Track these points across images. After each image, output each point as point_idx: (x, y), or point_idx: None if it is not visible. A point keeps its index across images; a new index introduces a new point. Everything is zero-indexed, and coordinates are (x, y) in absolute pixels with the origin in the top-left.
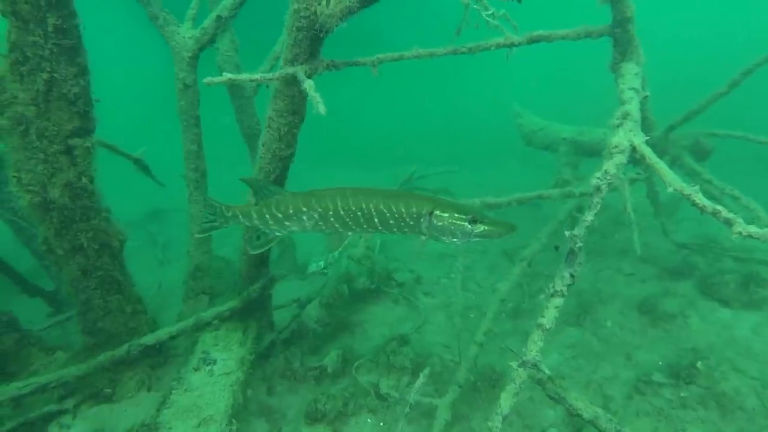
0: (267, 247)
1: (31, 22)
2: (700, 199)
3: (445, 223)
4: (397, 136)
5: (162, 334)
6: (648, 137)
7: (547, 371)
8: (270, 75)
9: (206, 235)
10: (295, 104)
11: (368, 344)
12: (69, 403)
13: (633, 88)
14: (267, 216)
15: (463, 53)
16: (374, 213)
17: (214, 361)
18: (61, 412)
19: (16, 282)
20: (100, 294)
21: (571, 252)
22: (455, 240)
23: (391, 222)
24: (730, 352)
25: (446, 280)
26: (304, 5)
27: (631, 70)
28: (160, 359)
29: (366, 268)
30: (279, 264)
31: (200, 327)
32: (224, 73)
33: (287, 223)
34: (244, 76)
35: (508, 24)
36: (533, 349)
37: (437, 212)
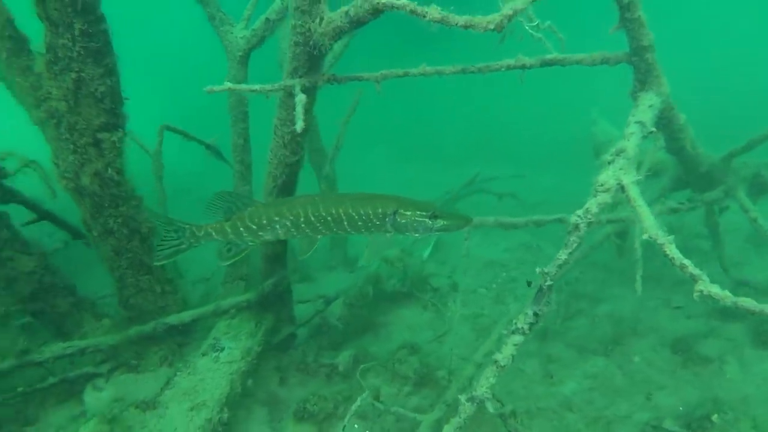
0: (238, 258)
1: (61, 26)
2: (671, 250)
3: (408, 220)
4: (472, 137)
5: (185, 316)
6: (642, 178)
7: (492, 410)
8: (269, 86)
9: (168, 261)
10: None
11: (387, 347)
12: (104, 368)
13: (639, 122)
14: (241, 229)
15: (473, 72)
16: (343, 216)
17: (222, 349)
18: (97, 375)
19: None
20: (132, 273)
21: (540, 290)
22: (417, 234)
23: (359, 223)
24: (762, 409)
25: (484, 290)
26: (300, 22)
27: (646, 102)
28: (187, 338)
29: (398, 271)
30: (331, 257)
31: (218, 314)
32: (225, 82)
33: (261, 233)
34: (244, 87)
35: (553, 37)
36: (484, 385)
37: (401, 211)
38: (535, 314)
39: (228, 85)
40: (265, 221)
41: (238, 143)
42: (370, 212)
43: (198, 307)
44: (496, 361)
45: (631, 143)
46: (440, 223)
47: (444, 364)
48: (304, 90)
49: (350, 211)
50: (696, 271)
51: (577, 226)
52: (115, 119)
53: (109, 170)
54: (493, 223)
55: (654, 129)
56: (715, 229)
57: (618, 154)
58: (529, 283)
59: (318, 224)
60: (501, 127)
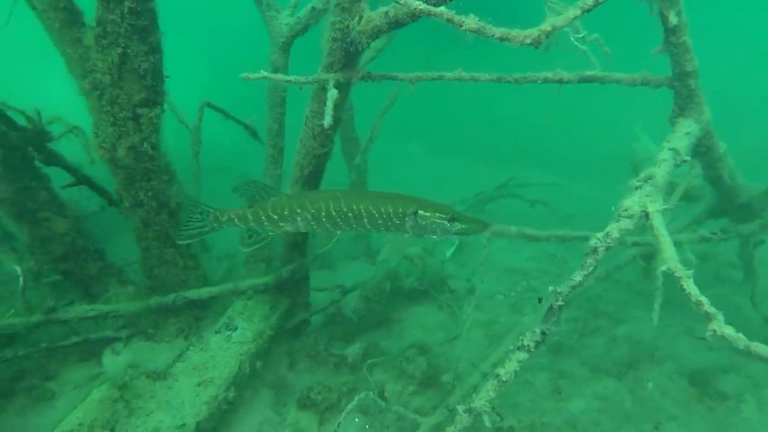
0: (258, 245)
1: (111, 2)
2: (689, 285)
3: (427, 221)
4: (510, 138)
5: (204, 292)
6: (669, 207)
7: (489, 424)
8: (303, 79)
9: (191, 241)
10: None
11: (398, 344)
12: (123, 333)
13: (673, 149)
14: (263, 217)
15: (508, 82)
16: (364, 214)
17: (236, 328)
18: (116, 339)
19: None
20: (157, 245)
21: (550, 309)
22: (434, 236)
23: (379, 222)
24: None
25: (502, 297)
26: (340, 18)
27: (683, 128)
28: (205, 313)
29: (418, 269)
30: (354, 247)
31: (236, 293)
32: (261, 71)
33: (281, 224)
34: (279, 77)
35: (599, 51)
36: (483, 398)
37: (421, 212)
38: (543, 333)
39: (263, 73)
40: (286, 212)
41: (273, 127)
42: (391, 211)
43: (219, 283)
44: (498, 375)
45: (661, 170)
46: (458, 226)
47: (452, 368)
48: (337, 85)
49: (371, 208)
50: (711, 310)
51: (595, 250)
52: (154, 96)
53: (145, 144)
54: (515, 233)
55: (688, 158)
56: (749, 262)
57: (646, 180)
58: (540, 300)
59: (338, 219)
60: (541, 130)
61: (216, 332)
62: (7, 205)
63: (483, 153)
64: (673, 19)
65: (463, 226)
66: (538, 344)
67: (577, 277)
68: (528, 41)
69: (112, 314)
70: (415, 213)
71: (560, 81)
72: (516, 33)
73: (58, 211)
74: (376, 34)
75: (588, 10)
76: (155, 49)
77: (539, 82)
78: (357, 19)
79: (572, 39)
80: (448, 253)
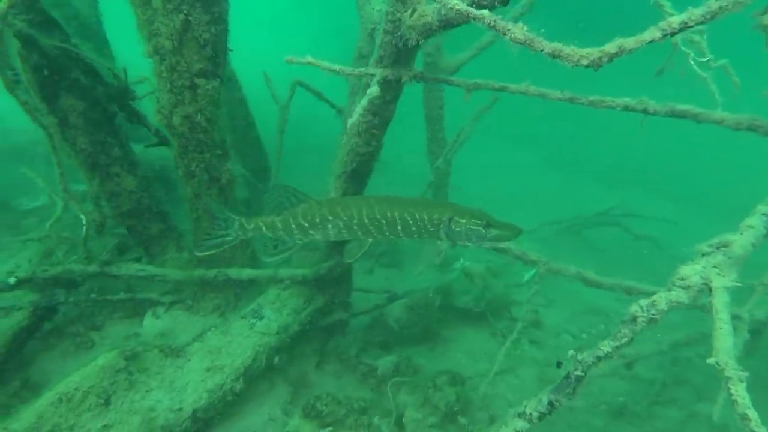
0: (283, 255)
1: None
2: (738, 390)
3: (463, 228)
4: (629, 158)
5: (245, 273)
6: (741, 284)
7: None
8: (349, 70)
9: (211, 252)
10: (375, 105)
11: (435, 365)
12: (167, 299)
13: (765, 215)
14: (293, 225)
15: (581, 104)
16: (398, 220)
17: (262, 317)
18: (159, 303)
19: None
20: (207, 218)
21: (567, 377)
22: (469, 244)
23: (413, 229)
24: None
25: (570, 338)
26: (393, 9)
27: None
28: (246, 291)
29: (476, 288)
30: (425, 249)
31: (275, 281)
32: (307, 56)
33: (312, 232)
34: (325, 65)
35: (726, 78)
36: None
37: (456, 218)
38: (551, 404)
39: (308, 58)
40: (317, 220)
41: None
42: (426, 218)
43: (264, 266)
44: None
45: (742, 239)
46: (493, 232)
47: (485, 405)
48: (383, 81)
49: (405, 215)
50: (759, 429)
51: (634, 319)
52: (214, 67)
53: (199, 116)
54: (574, 274)
55: None
56: None
57: (719, 247)
58: (559, 365)
59: (371, 227)
60: (668, 154)
61: (242, 317)
62: (83, 156)
63: (598, 170)
64: None
65: (498, 232)
66: (542, 416)
67: (606, 347)
68: (584, 63)
69: (159, 278)
70: (450, 219)
71: (644, 111)
72: (570, 51)
73: (129, 169)
74: (427, 31)
75: (672, 34)
76: (218, 20)
77: (619, 108)
78: (410, 11)
79: (692, 61)
80: (527, 276)
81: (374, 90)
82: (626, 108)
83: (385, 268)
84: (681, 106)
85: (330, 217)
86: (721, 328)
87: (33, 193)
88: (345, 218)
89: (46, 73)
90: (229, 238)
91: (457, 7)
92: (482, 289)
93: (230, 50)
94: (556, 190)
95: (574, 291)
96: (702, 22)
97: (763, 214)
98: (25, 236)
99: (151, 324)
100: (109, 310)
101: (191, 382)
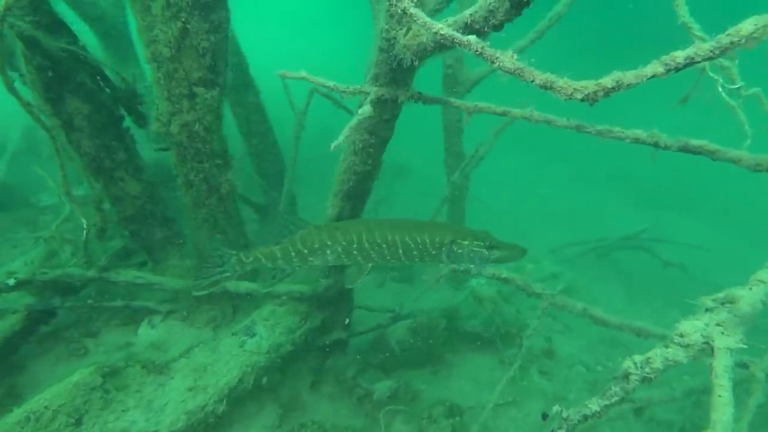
0: (279, 281)
1: None
2: None
3: (465, 250)
4: (669, 176)
5: (242, 287)
6: (745, 347)
7: None
8: (344, 87)
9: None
10: (371, 124)
11: (437, 392)
12: (164, 307)
13: None
14: (292, 253)
15: (588, 132)
16: (399, 244)
17: (253, 335)
18: (156, 312)
19: None
20: (206, 228)
21: None
22: (472, 266)
23: (414, 252)
24: None
25: (584, 370)
26: (387, 26)
27: None
28: (245, 303)
29: (486, 312)
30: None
31: (271, 296)
32: (301, 71)
33: (311, 258)
34: (320, 80)
35: (757, 107)
36: None
37: (458, 240)
38: None
39: (303, 73)
40: (317, 245)
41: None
42: (427, 241)
43: (267, 278)
44: None
45: (750, 295)
46: (497, 254)
47: None
48: (379, 101)
49: (407, 239)
50: None
51: (627, 377)
52: (213, 76)
53: (198, 125)
54: (580, 311)
55: None
56: None
57: (724, 303)
58: (544, 417)
59: (371, 251)
60: (711, 175)
61: (233, 334)
62: (87, 159)
63: (633, 188)
64: None
65: (501, 253)
66: None
67: (594, 405)
68: (578, 96)
69: (157, 287)
70: (453, 242)
71: (655, 145)
72: (563, 84)
73: (134, 173)
74: (422, 52)
75: (676, 69)
76: (217, 29)
77: (628, 140)
78: (405, 30)
79: (720, 88)
80: None
81: (366, 110)
82: (636, 141)
83: (396, 283)
84: (695, 142)
85: (329, 243)
86: (720, 396)
87: (51, 190)
88: (344, 243)
89: (50, 74)
90: (227, 275)
91: (442, 32)
92: (492, 313)
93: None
94: (587, 208)
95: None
96: (710, 58)
97: None
98: (39, 234)
99: (146, 333)
100: (106, 317)
101: (171, 402)
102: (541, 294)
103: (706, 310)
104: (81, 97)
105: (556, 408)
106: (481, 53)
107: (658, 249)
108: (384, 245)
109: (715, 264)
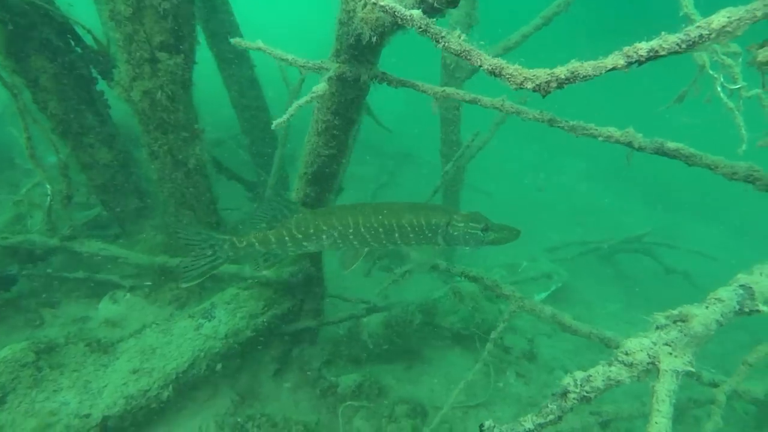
0: (272, 266)
1: None
2: None
3: (461, 231)
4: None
5: (230, 269)
6: (693, 370)
7: None
8: (303, 61)
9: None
10: (334, 103)
11: (407, 388)
12: (128, 282)
13: (744, 287)
14: (287, 238)
15: (561, 128)
16: (395, 227)
17: (212, 318)
18: (119, 287)
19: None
20: (173, 203)
21: None
22: (467, 247)
23: (411, 235)
24: None
25: (562, 374)
26: None
27: None
28: (212, 283)
29: (466, 310)
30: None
31: (239, 278)
32: (258, 41)
33: (305, 243)
34: (277, 52)
35: (758, 108)
36: None
37: (454, 222)
38: None
39: (260, 44)
40: (312, 231)
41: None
42: (423, 223)
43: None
44: None
45: (705, 315)
46: (492, 236)
47: None
48: (340, 79)
49: (403, 221)
50: None
51: (564, 395)
52: (177, 42)
53: (160, 93)
54: (548, 317)
55: (764, 309)
56: None
57: (676, 321)
58: (481, 428)
59: (367, 235)
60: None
61: (189, 316)
62: (55, 121)
63: (647, 187)
64: None
65: (496, 235)
66: None
67: (528, 423)
68: (529, 86)
69: (121, 260)
70: (448, 224)
71: (629, 144)
72: (513, 70)
73: (105, 140)
74: (379, 27)
75: (639, 63)
76: None
77: (600, 139)
78: (362, 2)
79: (719, 87)
80: (537, 298)
81: (321, 87)
82: (608, 139)
83: (384, 272)
84: (671, 144)
85: (324, 228)
86: (657, 423)
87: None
88: (340, 228)
89: (10, 27)
90: (220, 261)
91: (382, 3)
92: (472, 310)
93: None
94: (597, 206)
95: (584, 319)
96: (676, 52)
97: (741, 286)
98: (17, 197)
99: (106, 308)
100: (68, 288)
101: (110, 385)
102: (509, 296)
103: (657, 327)
104: (47, 55)
105: (489, 423)
106: (426, 30)
107: (663, 254)
108: (380, 229)
109: (722, 273)
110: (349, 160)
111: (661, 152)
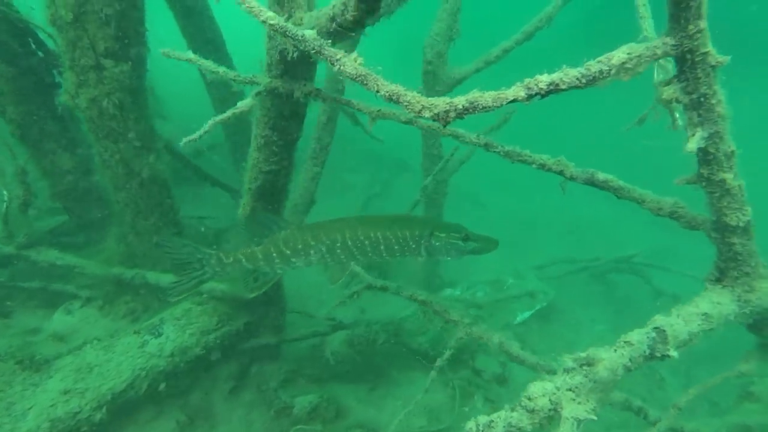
0: (265, 289)
1: None
2: None
3: (443, 242)
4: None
5: (164, 280)
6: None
7: None
8: (233, 74)
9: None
10: (271, 118)
11: (364, 412)
12: (84, 293)
13: (659, 330)
14: (274, 254)
15: (496, 152)
16: (381, 240)
17: (159, 335)
18: (75, 297)
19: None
20: (129, 213)
21: None
22: (449, 258)
23: (395, 247)
24: None
25: None
26: (273, 10)
27: (705, 301)
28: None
29: (435, 330)
30: (419, 268)
31: (195, 292)
32: (188, 52)
33: (294, 260)
34: (208, 64)
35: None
36: None
37: (436, 233)
38: None
39: (190, 55)
40: (300, 246)
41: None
42: (408, 234)
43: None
44: None
45: (611, 359)
46: (472, 245)
47: None
48: (271, 94)
49: (388, 234)
50: None
51: None
52: (122, 49)
53: (107, 101)
54: (496, 345)
55: (675, 354)
56: None
57: (582, 364)
58: None
59: (354, 249)
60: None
61: (135, 332)
62: (13, 126)
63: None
64: (693, 144)
65: (476, 245)
66: None
67: None
68: (427, 114)
69: (78, 270)
70: (431, 235)
71: (561, 173)
72: (411, 98)
73: (67, 146)
74: None
75: (540, 95)
76: None
77: (534, 166)
78: (286, 17)
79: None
80: (520, 318)
81: (246, 102)
82: (542, 166)
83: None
84: (602, 175)
85: (313, 243)
86: None
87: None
88: (329, 242)
89: None
90: (207, 277)
91: (271, 22)
92: (441, 331)
93: (146, 29)
94: (594, 222)
95: (571, 342)
96: (577, 87)
97: (655, 329)
98: None
99: (60, 319)
100: (24, 297)
101: (37, 407)
102: (458, 321)
103: (565, 370)
104: (4, 58)
105: None
106: (320, 51)
107: (654, 274)
108: (367, 242)
109: None
110: (320, 174)
111: (590, 182)
